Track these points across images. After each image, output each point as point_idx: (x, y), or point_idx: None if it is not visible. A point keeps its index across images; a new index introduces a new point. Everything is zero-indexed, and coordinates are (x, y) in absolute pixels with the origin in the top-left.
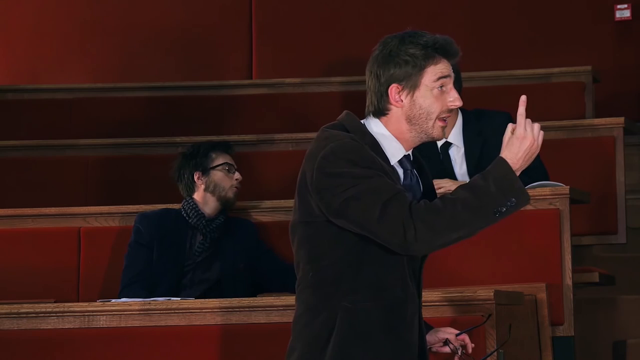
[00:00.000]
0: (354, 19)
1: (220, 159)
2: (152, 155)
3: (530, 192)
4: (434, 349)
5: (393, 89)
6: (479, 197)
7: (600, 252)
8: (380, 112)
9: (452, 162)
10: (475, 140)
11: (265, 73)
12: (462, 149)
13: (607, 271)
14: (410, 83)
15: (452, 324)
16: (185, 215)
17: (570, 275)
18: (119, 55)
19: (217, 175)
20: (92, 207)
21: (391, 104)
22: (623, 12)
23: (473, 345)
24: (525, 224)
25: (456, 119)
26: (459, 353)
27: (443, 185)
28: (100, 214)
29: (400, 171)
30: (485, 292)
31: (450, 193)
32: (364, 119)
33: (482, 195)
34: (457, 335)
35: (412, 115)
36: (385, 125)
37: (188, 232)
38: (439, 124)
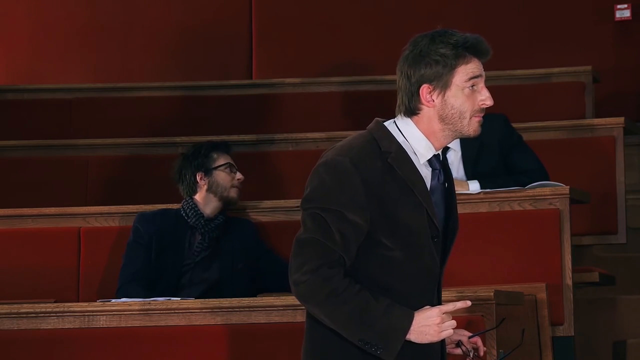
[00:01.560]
0: (353, 19)
1: (222, 159)
2: (152, 155)
3: (530, 192)
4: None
5: (424, 89)
6: (364, 319)
7: (600, 252)
8: (412, 111)
9: (450, 166)
10: (472, 144)
11: (265, 73)
12: (460, 153)
13: (607, 271)
14: (442, 83)
15: None
16: (184, 215)
17: (570, 275)
18: (119, 55)
19: (220, 175)
20: (92, 207)
21: (422, 104)
22: (623, 12)
23: (485, 349)
24: (525, 224)
25: None
26: (471, 356)
27: None
28: (100, 214)
29: (428, 171)
30: (485, 292)
31: (359, 290)
32: (395, 119)
33: (366, 321)
34: (469, 337)
35: (444, 115)
36: (417, 125)
37: (187, 232)
38: (475, 120)
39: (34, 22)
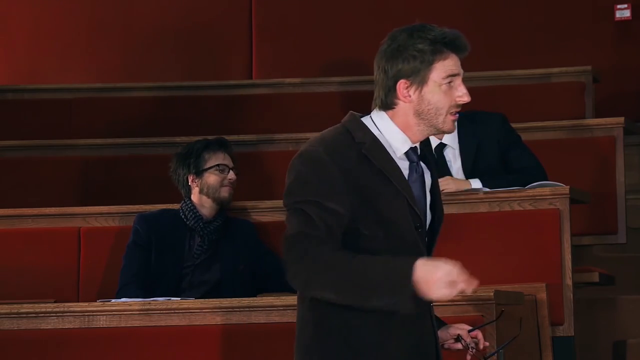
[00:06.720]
0: (354, 18)
1: (212, 160)
2: (152, 155)
3: (530, 192)
4: (445, 346)
5: (401, 85)
6: (368, 280)
7: (600, 252)
8: (388, 105)
9: (448, 163)
10: (470, 142)
11: (265, 73)
12: (457, 150)
13: (607, 271)
14: (419, 79)
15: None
16: (183, 216)
17: (570, 275)
18: (119, 55)
19: (210, 177)
20: (92, 207)
21: (399, 99)
22: (623, 12)
23: (487, 343)
24: (525, 224)
25: None
26: (471, 350)
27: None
28: (100, 214)
29: (406, 164)
30: (485, 292)
31: (356, 256)
32: (371, 113)
33: (371, 281)
34: (469, 331)
35: (420, 110)
36: (392, 118)
37: (186, 233)
38: (450, 118)
39: (34, 22)
